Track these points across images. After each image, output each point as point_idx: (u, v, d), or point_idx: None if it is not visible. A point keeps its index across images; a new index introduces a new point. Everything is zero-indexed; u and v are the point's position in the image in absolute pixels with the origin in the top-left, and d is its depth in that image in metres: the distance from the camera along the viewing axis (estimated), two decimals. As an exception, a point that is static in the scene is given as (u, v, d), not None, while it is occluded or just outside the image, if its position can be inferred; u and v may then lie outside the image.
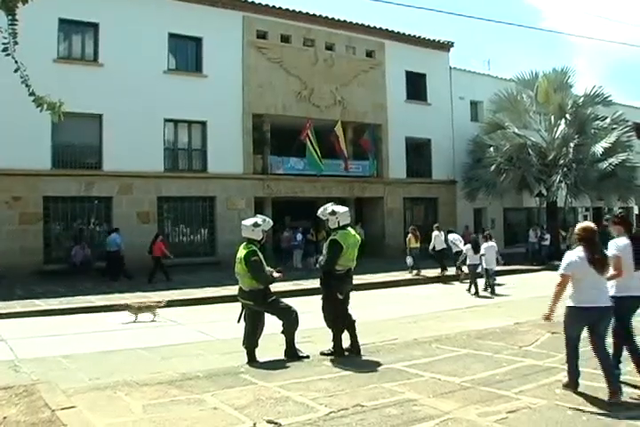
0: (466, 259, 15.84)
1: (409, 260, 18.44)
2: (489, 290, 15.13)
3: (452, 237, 18.54)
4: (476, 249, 15.48)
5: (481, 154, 25.15)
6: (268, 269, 7.23)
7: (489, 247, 15.32)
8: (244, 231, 7.31)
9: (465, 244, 17.06)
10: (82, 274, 17.06)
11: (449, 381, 5.98)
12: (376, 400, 5.32)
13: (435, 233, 18.72)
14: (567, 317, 5.53)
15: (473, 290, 14.98)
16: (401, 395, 5.49)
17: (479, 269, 15.37)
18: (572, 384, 5.56)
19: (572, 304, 5.45)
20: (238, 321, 7.20)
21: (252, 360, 7.01)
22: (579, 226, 5.73)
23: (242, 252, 7.13)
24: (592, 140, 23.68)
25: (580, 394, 5.39)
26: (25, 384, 5.84)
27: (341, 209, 7.46)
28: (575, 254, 5.49)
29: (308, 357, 7.16)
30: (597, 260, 5.40)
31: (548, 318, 5.58)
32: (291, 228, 22.44)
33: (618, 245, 5.83)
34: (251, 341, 7.13)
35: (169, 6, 19.78)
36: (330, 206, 7.48)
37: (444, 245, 18.47)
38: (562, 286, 5.45)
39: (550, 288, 5.60)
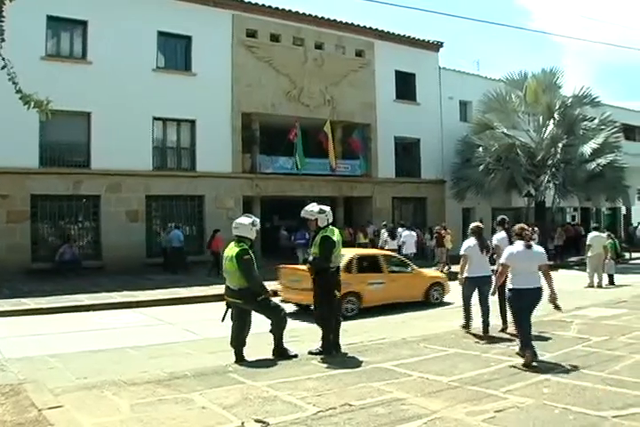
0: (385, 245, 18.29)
1: None
2: None
3: (399, 231, 19.77)
4: (392, 236, 18.68)
5: (470, 154, 25.21)
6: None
7: (408, 235, 18.73)
8: (241, 229, 7.21)
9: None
10: (70, 272, 16.98)
11: (437, 380, 6.01)
12: (364, 399, 5.33)
13: (382, 230, 20.10)
14: (464, 284, 8.66)
15: None
16: (389, 394, 5.51)
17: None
18: (467, 326, 8.73)
19: (466, 275, 8.54)
20: (222, 320, 7.14)
21: (239, 359, 6.99)
22: (472, 224, 8.99)
23: (233, 250, 7.07)
24: (580, 141, 23.75)
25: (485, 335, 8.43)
26: (11, 384, 5.81)
27: (327, 208, 7.54)
28: (470, 242, 8.59)
29: (296, 356, 7.16)
30: (483, 245, 8.55)
31: (460, 281, 8.73)
32: (287, 227, 22.63)
33: (497, 238, 8.82)
34: (238, 340, 7.10)
35: (158, 4, 19.65)
36: (316, 206, 7.51)
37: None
38: (465, 263, 8.52)
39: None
